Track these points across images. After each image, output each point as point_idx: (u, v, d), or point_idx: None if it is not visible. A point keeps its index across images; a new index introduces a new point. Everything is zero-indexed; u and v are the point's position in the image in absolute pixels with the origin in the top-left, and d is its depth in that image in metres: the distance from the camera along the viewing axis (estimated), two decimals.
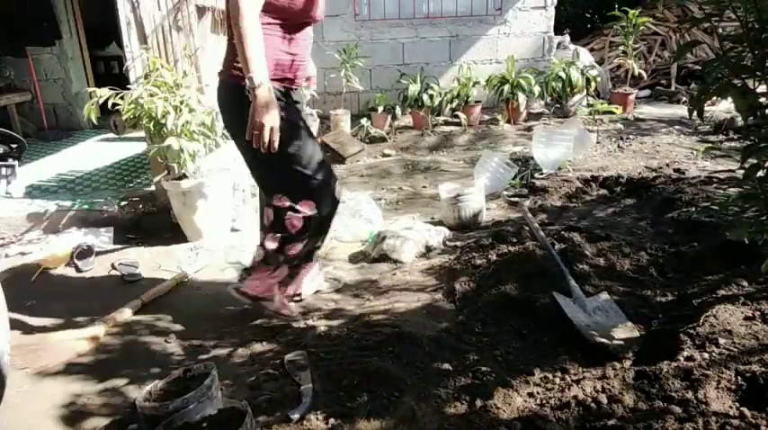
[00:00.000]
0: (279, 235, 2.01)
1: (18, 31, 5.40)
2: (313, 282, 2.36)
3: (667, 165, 3.76)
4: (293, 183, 1.97)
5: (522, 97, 5.25)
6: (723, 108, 5.15)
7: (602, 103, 4.95)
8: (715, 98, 1.76)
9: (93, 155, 4.81)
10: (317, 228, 2.06)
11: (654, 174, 3.48)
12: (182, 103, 2.90)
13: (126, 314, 2.35)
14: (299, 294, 2.30)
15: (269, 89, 1.72)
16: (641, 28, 5.66)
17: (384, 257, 2.69)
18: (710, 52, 6.39)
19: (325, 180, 2.02)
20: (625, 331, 1.74)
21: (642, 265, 2.15)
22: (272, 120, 1.73)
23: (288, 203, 1.96)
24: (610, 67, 6.86)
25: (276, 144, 1.77)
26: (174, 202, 3.13)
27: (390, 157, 4.89)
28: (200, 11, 3.32)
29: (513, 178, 3.66)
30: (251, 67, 1.69)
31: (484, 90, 5.56)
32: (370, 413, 1.44)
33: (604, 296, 1.91)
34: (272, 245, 2.03)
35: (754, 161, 1.50)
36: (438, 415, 1.46)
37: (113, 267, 2.82)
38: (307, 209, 1.97)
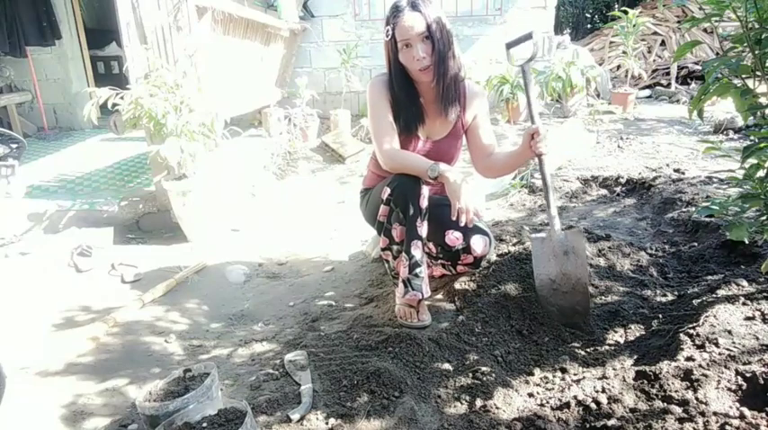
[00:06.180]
0: None
1: (18, 31, 5.40)
2: None
3: (667, 165, 3.76)
4: None
5: (522, 97, 5.25)
6: (723, 108, 5.15)
7: (602, 103, 4.96)
8: (715, 98, 1.76)
9: (93, 155, 4.81)
10: None
11: (654, 174, 3.47)
12: (182, 102, 2.91)
13: (126, 314, 2.35)
14: None
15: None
16: (641, 28, 5.66)
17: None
18: (710, 52, 6.40)
19: None
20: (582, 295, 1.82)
21: (642, 265, 2.15)
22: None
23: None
24: (610, 67, 6.87)
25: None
26: (174, 202, 3.13)
27: None
28: (200, 11, 3.31)
29: (513, 178, 3.66)
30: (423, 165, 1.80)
31: (484, 90, 5.56)
32: (370, 413, 1.44)
33: (578, 237, 1.85)
34: None
35: (754, 161, 1.50)
36: (438, 415, 1.46)
37: (113, 267, 2.82)
38: None
